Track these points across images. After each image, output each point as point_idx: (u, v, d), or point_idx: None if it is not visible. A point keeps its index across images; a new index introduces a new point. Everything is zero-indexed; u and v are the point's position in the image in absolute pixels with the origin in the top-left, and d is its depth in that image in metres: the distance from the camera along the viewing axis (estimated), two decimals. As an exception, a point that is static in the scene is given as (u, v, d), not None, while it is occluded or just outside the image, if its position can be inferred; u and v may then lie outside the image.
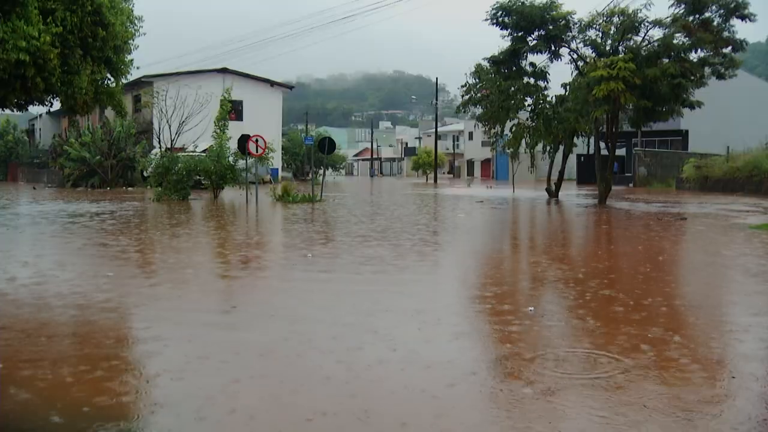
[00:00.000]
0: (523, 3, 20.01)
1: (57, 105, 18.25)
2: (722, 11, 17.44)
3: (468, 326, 4.78)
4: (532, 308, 4.88)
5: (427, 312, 5.07)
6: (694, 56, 18.29)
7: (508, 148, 23.10)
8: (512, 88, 21.05)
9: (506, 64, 21.30)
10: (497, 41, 24.99)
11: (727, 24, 17.54)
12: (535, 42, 20.57)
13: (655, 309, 5.12)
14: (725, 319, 5.03)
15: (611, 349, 3.94)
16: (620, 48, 18.92)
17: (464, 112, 26.63)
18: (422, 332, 4.45)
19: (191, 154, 22.62)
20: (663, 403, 3.06)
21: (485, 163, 65.16)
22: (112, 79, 17.57)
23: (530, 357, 3.80)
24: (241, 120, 39.15)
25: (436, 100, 55.41)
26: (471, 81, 22.25)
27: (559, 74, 22.15)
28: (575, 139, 23.04)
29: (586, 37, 19.99)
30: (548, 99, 21.85)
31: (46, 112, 34.57)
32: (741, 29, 44.31)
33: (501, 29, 20.67)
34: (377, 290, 6.17)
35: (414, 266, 7.55)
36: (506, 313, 4.93)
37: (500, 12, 20.29)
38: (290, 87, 49.02)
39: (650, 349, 3.96)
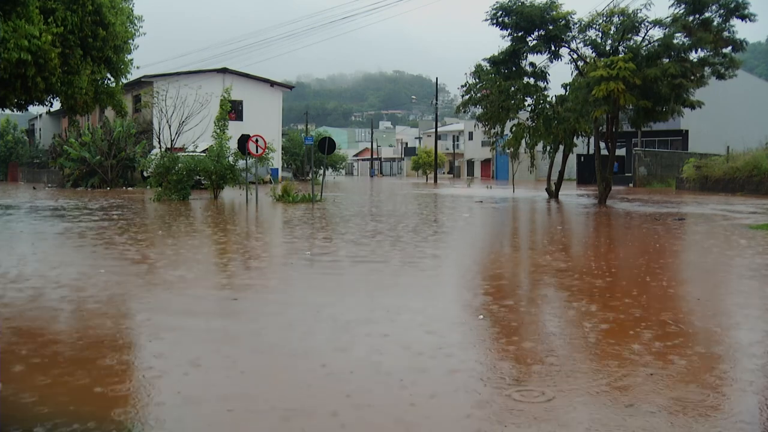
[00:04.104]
0: (523, 3, 20.03)
1: (57, 105, 18.30)
2: (722, 11, 17.44)
3: (457, 324, 4.81)
4: (481, 316, 4.88)
5: (423, 311, 5.08)
6: (694, 56, 18.30)
7: (508, 148, 23.11)
8: (512, 88, 21.08)
9: (506, 64, 21.32)
10: (497, 41, 25.02)
11: (727, 24, 17.55)
12: (535, 42, 20.60)
13: (653, 317, 5.12)
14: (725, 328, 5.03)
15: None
16: (620, 48, 18.95)
17: (464, 112, 26.65)
18: (417, 331, 4.46)
19: (191, 154, 22.63)
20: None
21: (485, 163, 65.22)
22: (112, 79, 17.61)
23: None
24: (241, 120, 39.20)
25: (436, 100, 55.44)
26: (471, 81, 22.26)
27: (559, 74, 22.22)
28: (575, 139, 23.06)
29: (586, 37, 20.03)
30: (548, 99, 21.88)
31: (46, 112, 34.70)
32: (741, 29, 44.47)
33: (501, 29, 20.71)
34: (375, 287, 6.18)
35: (412, 265, 7.55)
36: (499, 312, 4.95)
37: (500, 12, 20.31)
38: (290, 87, 49.04)
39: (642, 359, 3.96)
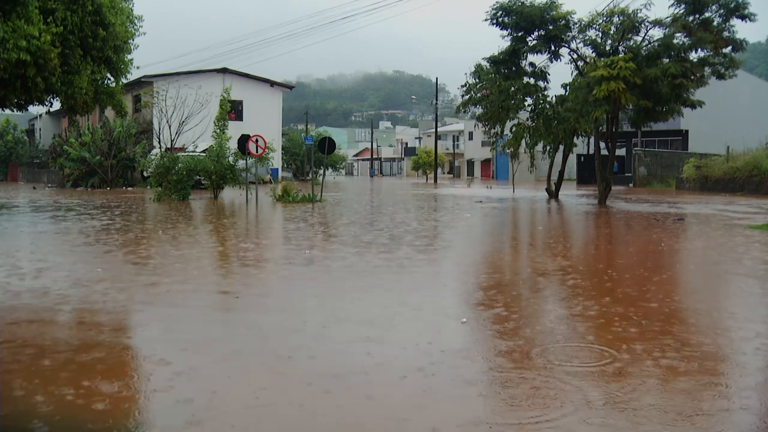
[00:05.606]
0: (523, 3, 20.03)
1: (57, 105, 18.29)
2: (722, 11, 17.45)
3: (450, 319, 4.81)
4: (464, 319, 4.87)
5: (416, 311, 5.09)
6: (694, 56, 18.30)
7: (508, 148, 23.11)
8: (512, 88, 21.08)
9: (506, 64, 21.32)
10: (497, 41, 25.00)
11: (727, 24, 17.56)
12: (535, 42, 20.59)
13: (652, 320, 5.12)
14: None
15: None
16: (620, 48, 18.94)
17: (464, 112, 26.66)
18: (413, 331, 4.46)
19: (191, 154, 22.63)
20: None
21: (485, 163, 65.21)
22: (112, 79, 17.60)
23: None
24: (241, 120, 39.20)
25: (436, 100, 55.42)
26: (471, 81, 22.26)
27: (559, 74, 22.22)
28: (575, 139, 23.05)
29: (586, 37, 20.03)
30: (548, 99, 21.88)
31: (46, 112, 34.64)
32: (741, 29, 44.44)
33: (501, 29, 20.70)
34: (372, 285, 6.19)
35: (411, 265, 7.55)
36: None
37: (500, 12, 20.30)
38: (290, 87, 49.02)
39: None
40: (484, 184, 42.04)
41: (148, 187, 24.98)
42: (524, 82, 21.53)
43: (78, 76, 15.42)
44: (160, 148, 24.27)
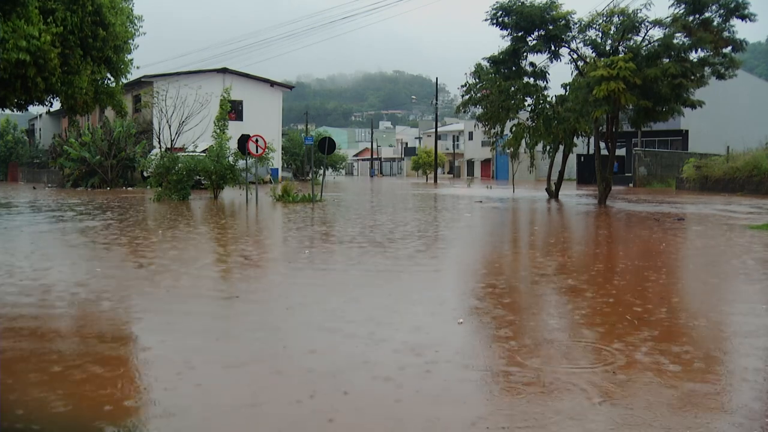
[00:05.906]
0: (523, 3, 20.03)
1: (57, 105, 18.29)
2: (722, 11, 17.44)
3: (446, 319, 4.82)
4: (461, 320, 4.87)
5: (413, 312, 5.09)
6: (694, 56, 18.29)
7: (508, 148, 23.11)
8: (512, 88, 21.07)
9: (506, 64, 21.31)
10: (497, 41, 25.00)
11: (727, 24, 17.55)
12: (535, 42, 20.58)
13: (653, 320, 5.11)
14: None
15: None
16: (620, 48, 18.94)
17: (464, 112, 26.65)
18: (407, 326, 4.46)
19: (191, 154, 22.62)
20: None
21: (485, 163, 65.22)
22: (112, 79, 17.60)
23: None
24: (241, 120, 39.22)
25: (436, 100, 55.42)
26: (471, 81, 22.26)
27: (559, 74, 22.22)
28: (575, 139, 23.05)
29: (586, 37, 20.02)
30: (548, 99, 21.87)
31: (46, 112, 34.70)
32: (741, 29, 44.45)
33: (501, 29, 20.70)
34: (371, 284, 6.20)
35: (411, 265, 7.55)
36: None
37: (500, 12, 20.31)
38: (290, 87, 49.02)
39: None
40: (484, 184, 42.04)
41: (148, 187, 24.98)
42: (524, 82, 21.53)
43: (78, 76, 15.42)
44: (160, 148, 24.25)
